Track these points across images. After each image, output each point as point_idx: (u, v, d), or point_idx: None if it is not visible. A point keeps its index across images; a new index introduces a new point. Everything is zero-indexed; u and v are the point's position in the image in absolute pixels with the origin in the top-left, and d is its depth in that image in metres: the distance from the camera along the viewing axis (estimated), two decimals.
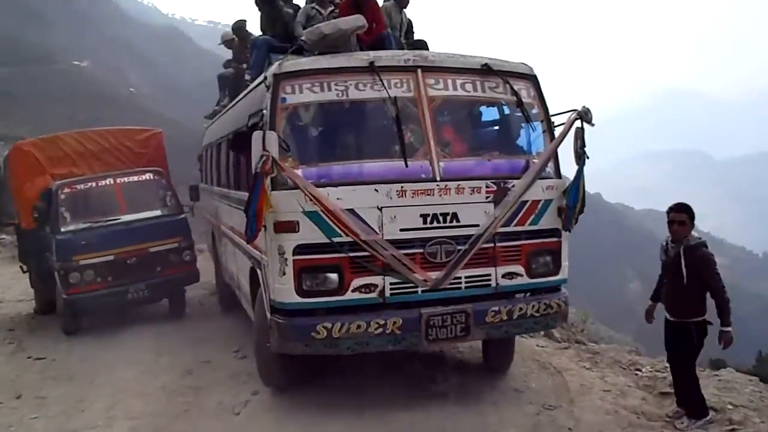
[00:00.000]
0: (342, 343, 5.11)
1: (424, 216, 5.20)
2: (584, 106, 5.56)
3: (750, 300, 61.45)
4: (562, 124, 5.66)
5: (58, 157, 9.85)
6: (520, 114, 5.74)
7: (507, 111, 5.97)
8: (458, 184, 5.27)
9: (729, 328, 5.27)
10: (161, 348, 7.82)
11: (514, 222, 5.44)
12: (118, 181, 9.23)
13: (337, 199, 5.05)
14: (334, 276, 5.13)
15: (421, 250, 5.20)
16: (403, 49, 7.03)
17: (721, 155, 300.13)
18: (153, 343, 8.00)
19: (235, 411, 5.83)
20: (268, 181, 5.00)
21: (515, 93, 5.65)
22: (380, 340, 5.16)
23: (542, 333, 8.28)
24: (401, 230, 5.16)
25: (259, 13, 7.91)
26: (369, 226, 5.09)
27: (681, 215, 5.45)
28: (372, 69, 5.37)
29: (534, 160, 5.66)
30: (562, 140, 5.62)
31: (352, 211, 5.06)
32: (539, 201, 5.54)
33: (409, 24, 7.90)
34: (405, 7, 7.80)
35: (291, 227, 5.06)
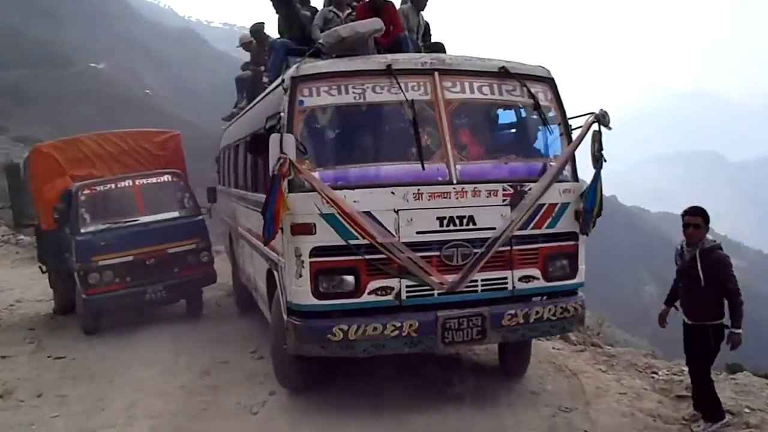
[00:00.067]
0: (358, 346, 5.12)
1: (440, 219, 5.21)
2: (601, 109, 5.56)
3: (767, 303, 60.77)
4: (580, 127, 5.66)
5: (77, 159, 9.94)
6: (537, 117, 5.74)
7: (524, 114, 5.96)
8: (475, 187, 5.27)
9: (739, 330, 5.29)
10: (179, 348, 7.90)
11: (531, 225, 5.44)
12: (136, 182, 9.32)
13: (354, 201, 5.07)
14: (350, 278, 5.16)
15: (437, 253, 5.21)
16: (420, 51, 7.03)
17: (735, 157, 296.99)
18: (171, 343, 8.08)
19: (253, 411, 5.88)
20: (285, 184, 5.03)
21: (532, 96, 5.65)
22: (396, 342, 5.17)
23: (558, 336, 8.27)
24: (418, 233, 5.18)
25: (276, 16, 7.94)
26: (385, 228, 5.11)
27: (696, 218, 5.44)
28: (389, 72, 5.39)
29: (551, 164, 5.66)
30: (579, 143, 5.62)
31: (368, 213, 5.08)
32: (556, 204, 5.53)
33: (427, 26, 7.89)
34: (422, 10, 7.78)
35: (308, 229, 5.10)
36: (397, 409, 5.65)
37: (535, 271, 5.52)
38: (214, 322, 9.33)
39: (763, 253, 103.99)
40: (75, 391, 6.73)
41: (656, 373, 7.24)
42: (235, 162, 8.61)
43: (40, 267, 11.20)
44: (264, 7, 8.41)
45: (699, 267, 5.35)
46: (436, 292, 5.24)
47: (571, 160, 5.73)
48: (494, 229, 5.30)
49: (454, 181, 5.26)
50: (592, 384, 6.62)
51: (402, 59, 5.64)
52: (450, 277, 5.23)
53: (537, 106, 5.66)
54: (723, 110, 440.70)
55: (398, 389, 6.02)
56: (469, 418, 5.57)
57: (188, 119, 47.14)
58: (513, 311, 5.41)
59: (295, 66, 5.53)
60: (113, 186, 9.28)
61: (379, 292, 5.18)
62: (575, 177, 5.77)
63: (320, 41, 6.11)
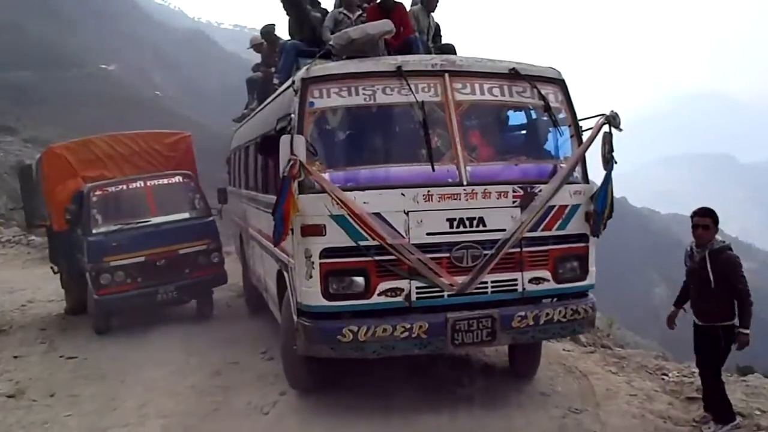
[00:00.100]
0: (368, 347, 5.13)
1: (450, 220, 5.21)
2: (612, 111, 5.54)
3: None
4: (590, 128, 5.65)
5: (89, 160, 10.01)
6: (547, 118, 5.73)
7: (534, 115, 5.95)
8: (485, 189, 5.27)
9: (747, 331, 5.28)
10: (190, 348, 7.94)
11: (541, 227, 5.43)
12: (148, 183, 9.37)
13: (364, 202, 5.08)
14: (360, 279, 5.17)
15: (447, 255, 5.21)
16: (430, 53, 7.03)
17: (745, 158, 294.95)
18: (182, 344, 8.12)
19: (263, 411, 5.91)
20: (295, 185, 5.04)
21: (543, 97, 5.64)
22: (406, 343, 5.17)
23: (568, 337, 8.26)
24: (427, 234, 5.18)
25: (287, 18, 7.96)
26: (395, 230, 5.12)
27: (705, 219, 5.43)
28: (399, 73, 5.39)
29: (561, 165, 5.65)
30: (589, 145, 5.60)
31: (378, 215, 5.09)
32: (566, 206, 5.52)
33: (437, 28, 7.89)
34: (432, 11, 7.78)
35: (318, 231, 5.11)
36: (407, 410, 5.66)
37: (546, 273, 5.51)
38: (225, 323, 9.36)
39: None
40: (87, 391, 6.78)
41: (666, 375, 7.23)
42: (246, 163, 8.64)
43: (51, 267, 11.28)
44: (274, 9, 8.46)
45: (709, 268, 5.34)
46: (445, 293, 5.24)
47: (582, 161, 5.72)
48: (504, 230, 5.29)
49: (464, 183, 5.25)
50: (602, 385, 6.61)
51: (412, 61, 5.65)
52: (460, 279, 5.23)
53: (547, 108, 5.65)
54: (732, 111, 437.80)
55: (408, 390, 6.03)
56: (479, 419, 5.57)
57: (198, 120, 47.32)
58: (523, 313, 5.40)
59: (305, 67, 5.54)
60: (125, 187, 9.33)
61: (388, 294, 5.18)
62: (586, 178, 5.76)
63: (331, 43, 6.11)
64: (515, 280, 5.43)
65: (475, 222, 5.25)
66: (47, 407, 6.43)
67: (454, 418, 5.56)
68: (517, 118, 6.15)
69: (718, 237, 5.49)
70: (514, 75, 5.67)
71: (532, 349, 6.43)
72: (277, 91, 6.76)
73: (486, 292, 5.36)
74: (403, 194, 5.15)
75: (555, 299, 5.68)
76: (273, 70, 9.00)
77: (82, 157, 10.01)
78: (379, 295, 5.17)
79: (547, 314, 5.48)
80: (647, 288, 73.95)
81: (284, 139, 5.07)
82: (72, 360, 7.96)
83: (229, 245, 10.99)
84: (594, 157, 5.65)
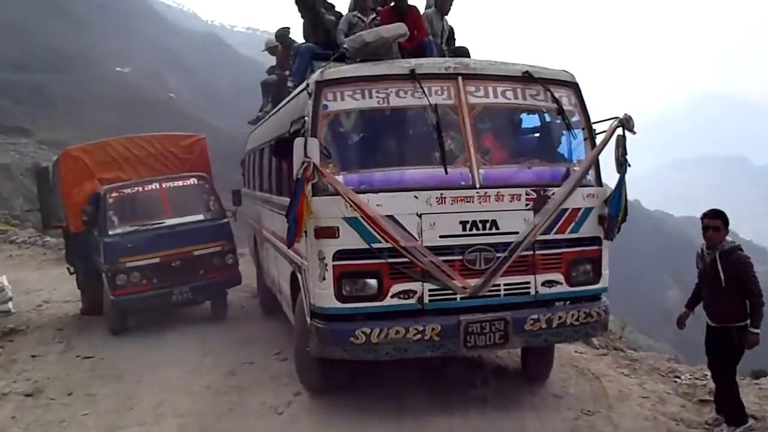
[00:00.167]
0: (380, 349, 5.16)
1: (463, 223, 5.23)
2: (626, 114, 5.54)
3: None
4: (604, 131, 5.65)
5: (105, 162, 10.10)
6: (560, 121, 5.73)
7: (548, 118, 5.96)
8: (498, 192, 5.29)
9: (757, 330, 5.28)
10: (205, 349, 8.02)
11: (554, 230, 5.44)
12: (163, 185, 9.45)
13: (377, 205, 5.11)
14: (373, 282, 5.20)
15: (460, 257, 5.23)
16: (444, 56, 7.04)
17: (759, 160, 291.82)
18: (197, 344, 8.20)
19: (278, 411, 5.95)
20: (309, 187, 5.08)
21: (556, 100, 5.65)
22: (419, 346, 5.19)
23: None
24: (440, 237, 5.20)
25: (301, 21, 8.01)
26: (408, 232, 5.14)
27: (715, 221, 5.44)
28: (413, 76, 5.43)
29: (575, 168, 5.66)
30: (603, 148, 5.59)
31: (391, 217, 5.12)
32: (580, 209, 5.52)
33: (451, 31, 7.90)
34: (446, 14, 7.78)
35: (331, 233, 5.14)
36: (420, 412, 5.69)
37: (559, 276, 5.50)
38: (239, 324, 9.43)
39: None
40: (104, 390, 6.86)
41: (679, 378, 7.22)
42: (260, 165, 8.70)
43: (68, 268, 11.38)
44: (289, 12, 8.50)
45: (720, 269, 5.34)
46: (458, 296, 5.26)
47: (595, 164, 5.72)
48: (517, 233, 5.31)
49: (477, 186, 5.27)
50: (615, 388, 6.61)
51: (426, 64, 5.68)
52: (473, 282, 5.24)
53: (561, 111, 5.65)
54: (745, 112, 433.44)
55: (421, 391, 6.06)
56: (492, 420, 5.59)
57: (211, 123, 47.45)
58: (536, 316, 5.41)
59: (319, 70, 5.60)
60: (140, 189, 9.41)
61: (401, 296, 5.21)
62: (599, 182, 5.75)
63: (345, 46, 6.15)
64: (528, 283, 5.43)
65: (488, 225, 5.27)
66: (65, 406, 6.51)
67: (467, 420, 5.59)
68: (530, 121, 6.15)
69: (729, 238, 5.50)
70: (527, 78, 5.68)
71: (544, 352, 6.42)
72: (292, 94, 6.81)
73: (499, 295, 5.37)
74: (416, 197, 5.17)
75: (568, 302, 5.67)
76: (287, 73, 9.05)
77: (98, 159, 10.10)
78: (392, 297, 5.20)
79: (560, 317, 5.49)
80: (660, 291, 73.46)
81: (298, 142, 5.10)
82: (89, 360, 8.04)
83: (243, 247, 11.05)
84: (607, 160, 5.66)
